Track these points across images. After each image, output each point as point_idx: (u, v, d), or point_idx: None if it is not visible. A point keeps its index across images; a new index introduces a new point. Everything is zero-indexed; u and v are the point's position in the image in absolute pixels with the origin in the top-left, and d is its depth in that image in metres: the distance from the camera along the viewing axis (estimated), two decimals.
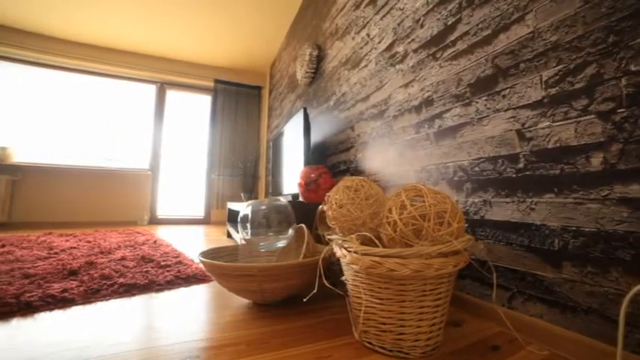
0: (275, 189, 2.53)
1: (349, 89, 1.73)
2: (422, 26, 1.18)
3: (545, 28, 0.75)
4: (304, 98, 2.51)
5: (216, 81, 3.99)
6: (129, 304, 0.94)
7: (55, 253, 1.57)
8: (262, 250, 1.03)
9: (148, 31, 3.33)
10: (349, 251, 0.67)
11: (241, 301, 0.97)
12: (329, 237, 0.76)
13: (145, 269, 1.27)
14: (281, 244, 0.96)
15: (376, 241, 0.72)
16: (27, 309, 0.86)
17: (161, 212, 3.77)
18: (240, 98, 4.10)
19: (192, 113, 4.08)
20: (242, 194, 3.59)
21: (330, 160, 1.90)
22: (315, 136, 2.16)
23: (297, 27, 2.93)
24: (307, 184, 1.50)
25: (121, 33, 3.35)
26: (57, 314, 0.86)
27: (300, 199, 1.62)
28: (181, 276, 1.18)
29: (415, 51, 1.21)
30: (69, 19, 3.08)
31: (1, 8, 2.89)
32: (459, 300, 0.95)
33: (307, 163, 1.69)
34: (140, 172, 3.64)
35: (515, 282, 0.79)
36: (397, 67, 1.32)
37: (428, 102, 1.13)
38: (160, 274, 1.19)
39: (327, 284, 0.77)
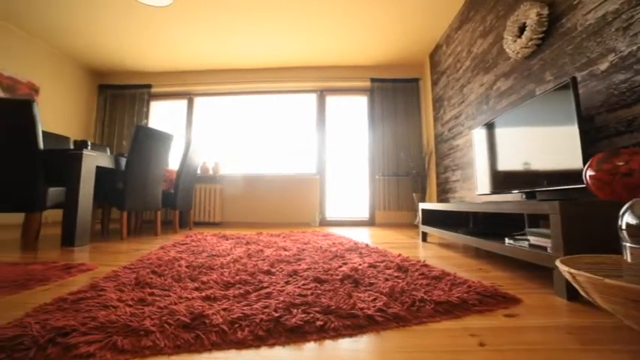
0: (488, 184, 2.16)
1: None
2: None
3: None
4: (516, 75, 2.05)
5: (372, 80, 3.91)
6: (474, 331, 0.76)
7: (296, 255, 1.64)
8: None
9: (307, 45, 3.51)
10: None
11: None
12: None
13: (419, 282, 1.12)
14: None
15: None
16: (374, 324, 0.79)
17: (329, 214, 3.93)
18: (397, 93, 3.90)
19: (351, 115, 4.13)
20: (414, 194, 3.35)
21: (605, 144, 1.41)
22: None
23: None
24: (616, 176, 1.08)
25: (286, 52, 3.64)
26: (401, 333, 0.75)
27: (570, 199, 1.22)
28: (485, 293, 0.97)
29: None
30: (251, 51, 3.53)
31: (207, 59, 3.55)
32: None
33: (585, 150, 1.27)
34: (310, 177, 3.88)
35: None
36: None
37: None
38: (453, 290, 1.01)
39: None
